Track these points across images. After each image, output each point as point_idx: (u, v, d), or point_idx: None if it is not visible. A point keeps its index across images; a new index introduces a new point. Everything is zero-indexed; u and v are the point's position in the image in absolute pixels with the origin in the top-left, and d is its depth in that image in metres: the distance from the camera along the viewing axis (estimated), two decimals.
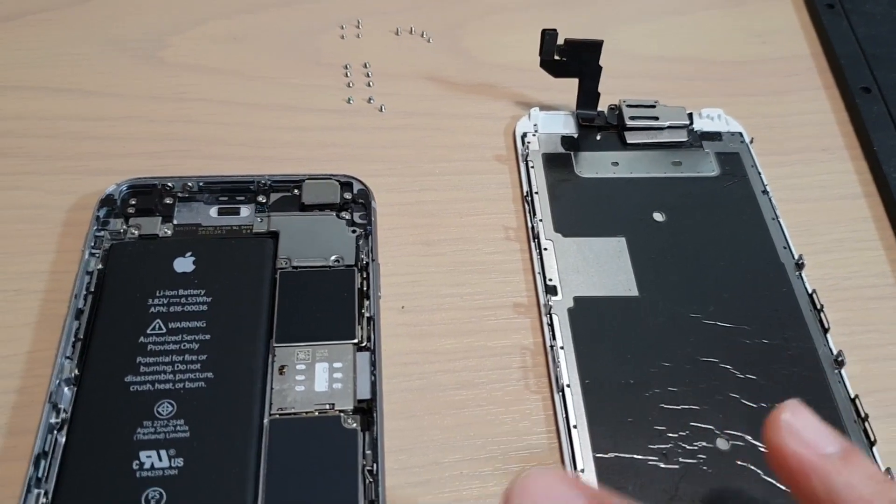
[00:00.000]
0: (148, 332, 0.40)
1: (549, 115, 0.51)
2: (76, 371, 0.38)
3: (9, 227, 0.45)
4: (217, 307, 0.41)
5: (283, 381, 0.39)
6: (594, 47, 0.47)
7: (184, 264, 0.43)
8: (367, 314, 0.41)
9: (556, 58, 0.47)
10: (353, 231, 0.45)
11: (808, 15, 0.60)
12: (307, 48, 0.56)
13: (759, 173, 0.48)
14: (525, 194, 0.47)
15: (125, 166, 0.49)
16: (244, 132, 0.50)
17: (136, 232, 0.44)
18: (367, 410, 0.38)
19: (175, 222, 0.45)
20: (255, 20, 0.58)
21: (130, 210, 0.45)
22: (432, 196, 0.48)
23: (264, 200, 0.46)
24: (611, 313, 0.42)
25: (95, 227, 0.44)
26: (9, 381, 0.39)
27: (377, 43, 0.57)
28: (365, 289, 0.43)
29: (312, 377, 0.39)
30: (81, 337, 0.40)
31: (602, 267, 0.43)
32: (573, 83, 0.50)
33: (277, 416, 0.38)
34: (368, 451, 0.37)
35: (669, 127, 0.50)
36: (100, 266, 0.43)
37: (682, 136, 0.50)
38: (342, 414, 0.38)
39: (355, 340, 0.40)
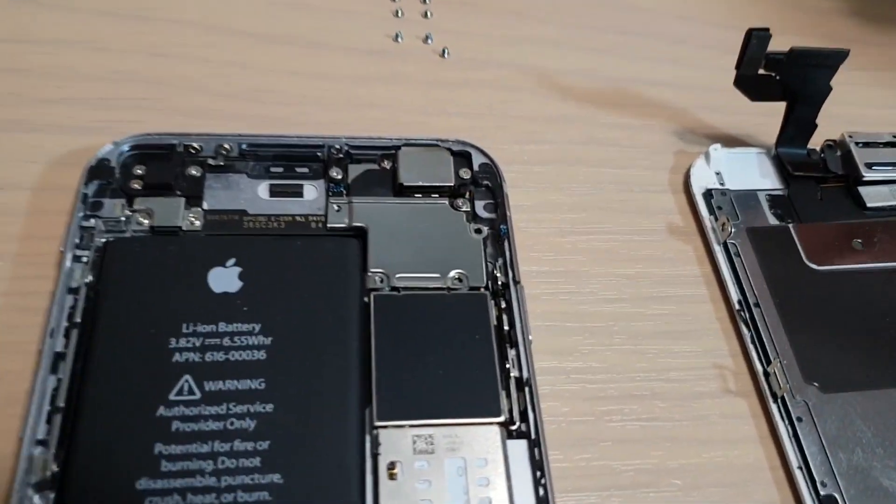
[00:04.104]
0: (172, 397, 0.25)
1: (736, 153, 0.35)
2: (54, 467, 0.23)
3: None
4: (281, 354, 0.26)
5: (394, 490, 0.24)
6: (832, 59, 0.32)
7: (224, 279, 0.27)
8: (514, 372, 0.26)
9: (762, 72, 0.32)
10: (478, 231, 0.30)
11: None
12: None
13: None
14: (738, 309, 0.30)
15: (47, 118, 0.32)
16: (236, 76, 0.35)
17: (146, 221, 0.28)
18: None
19: (206, 207, 0.29)
20: None
21: (135, 185, 0.29)
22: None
23: (340, 177, 0.31)
24: None
25: (81, 214, 0.28)
26: None
27: None
28: (506, 328, 0.27)
29: (441, 483, 0.24)
30: (63, 405, 0.24)
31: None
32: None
33: None
34: None
35: None
36: (88, 279, 0.27)
37: None
38: None
39: (502, 418, 0.26)
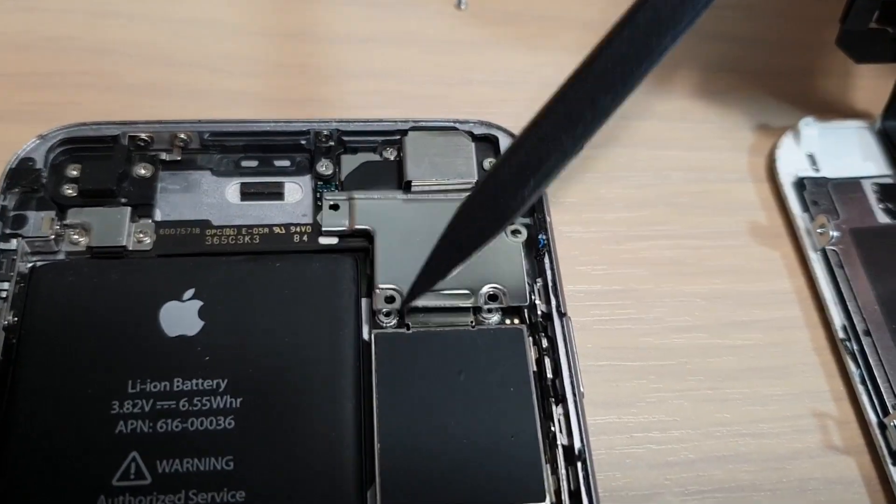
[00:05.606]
0: (116, 482, 0.19)
1: (832, 129, 0.28)
2: None
3: None
4: (254, 421, 0.20)
5: None
6: None
7: (181, 317, 0.21)
8: (562, 439, 0.20)
9: (874, 26, 0.26)
10: (516, 232, 0.23)
11: None
12: None
13: None
14: (842, 338, 0.24)
15: None
16: (199, 39, 0.28)
17: (82, 239, 0.22)
18: None
19: (158, 218, 0.23)
20: None
21: (69, 191, 0.23)
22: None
23: (330, 172, 0.24)
24: None
25: None
26: None
27: None
28: (549, 375, 0.21)
29: None
30: None
31: None
32: None
33: None
34: None
35: None
36: (8, 319, 0.21)
37: None
38: None
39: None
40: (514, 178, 0.18)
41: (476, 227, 0.19)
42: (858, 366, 0.23)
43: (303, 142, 0.24)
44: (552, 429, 0.20)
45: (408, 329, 0.22)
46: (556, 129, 0.18)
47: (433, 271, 0.20)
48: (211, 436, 0.20)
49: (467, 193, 0.19)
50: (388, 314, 0.22)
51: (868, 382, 0.23)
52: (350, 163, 0.24)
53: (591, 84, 0.18)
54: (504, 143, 0.24)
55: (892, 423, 0.22)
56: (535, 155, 0.18)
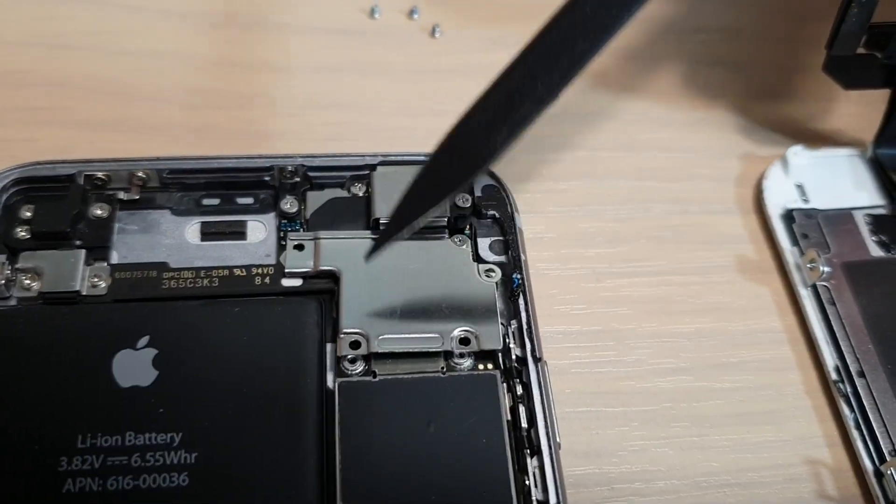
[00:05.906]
0: None
1: (822, 157, 0.27)
2: None
3: None
4: (209, 479, 0.19)
5: None
6: None
7: (134, 367, 0.20)
8: (537, 493, 0.19)
9: (862, 51, 0.25)
10: (490, 272, 0.22)
11: None
12: None
13: None
14: (835, 380, 0.23)
15: None
16: (161, 72, 0.27)
17: (34, 284, 0.21)
18: None
19: (114, 260, 0.22)
20: None
21: (21, 233, 0.22)
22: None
23: (295, 210, 0.23)
24: None
25: None
26: None
27: None
28: (523, 425, 0.20)
29: None
30: None
31: None
32: None
33: None
34: None
35: None
36: None
37: None
38: None
39: None
40: (486, 123, 0.18)
41: (446, 174, 0.18)
42: (853, 409, 0.22)
43: (266, 178, 0.23)
44: (527, 483, 0.19)
45: (374, 377, 0.20)
46: (530, 74, 0.17)
47: (400, 220, 0.19)
48: (164, 494, 0.19)
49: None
50: (353, 361, 0.21)
51: (863, 427, 0.21)
52: (316, 199, 0.23)
53: (569, 28, 0.17)
54: (478, 180, 0.23)
55: (888, 471, 0.21)
56: (508, 100, 0.17)
